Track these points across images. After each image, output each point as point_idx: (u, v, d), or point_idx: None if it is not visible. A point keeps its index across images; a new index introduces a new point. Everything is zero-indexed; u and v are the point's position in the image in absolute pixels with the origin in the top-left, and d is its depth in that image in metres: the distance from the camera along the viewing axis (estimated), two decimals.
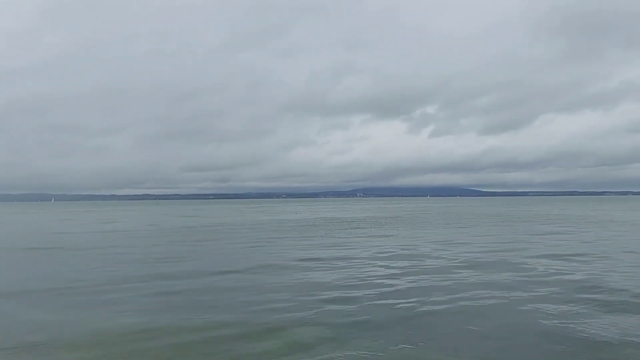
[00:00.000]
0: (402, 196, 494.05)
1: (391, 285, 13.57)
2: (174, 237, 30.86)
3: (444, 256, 19.50)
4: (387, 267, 16.97)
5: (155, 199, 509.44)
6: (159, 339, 8.79)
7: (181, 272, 16.02)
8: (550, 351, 8.18)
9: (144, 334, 9.09)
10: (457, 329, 9.39)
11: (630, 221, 43.09)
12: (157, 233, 34.58)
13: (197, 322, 9.84)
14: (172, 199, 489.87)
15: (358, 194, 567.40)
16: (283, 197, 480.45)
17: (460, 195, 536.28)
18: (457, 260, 18.17)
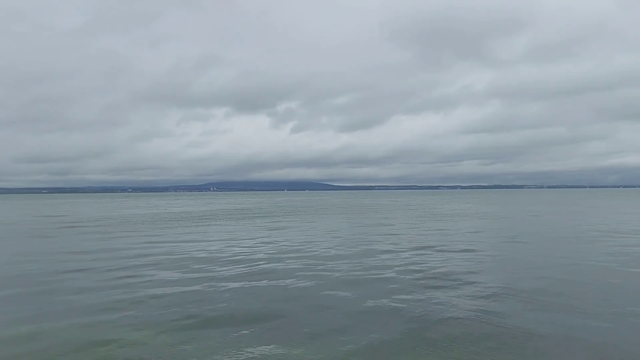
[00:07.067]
0: (258, 190, 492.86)
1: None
2: None
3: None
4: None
5: None
6: None
7: None
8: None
9: None
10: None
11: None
12: None
13: None
14: None
15: (212, 188, 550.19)
16: (128, 192, 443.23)
17: (312, 189, 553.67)
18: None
